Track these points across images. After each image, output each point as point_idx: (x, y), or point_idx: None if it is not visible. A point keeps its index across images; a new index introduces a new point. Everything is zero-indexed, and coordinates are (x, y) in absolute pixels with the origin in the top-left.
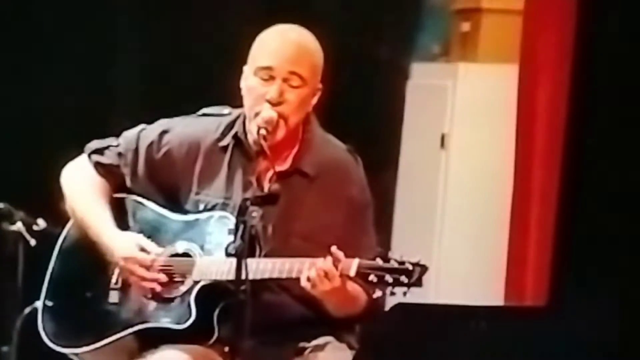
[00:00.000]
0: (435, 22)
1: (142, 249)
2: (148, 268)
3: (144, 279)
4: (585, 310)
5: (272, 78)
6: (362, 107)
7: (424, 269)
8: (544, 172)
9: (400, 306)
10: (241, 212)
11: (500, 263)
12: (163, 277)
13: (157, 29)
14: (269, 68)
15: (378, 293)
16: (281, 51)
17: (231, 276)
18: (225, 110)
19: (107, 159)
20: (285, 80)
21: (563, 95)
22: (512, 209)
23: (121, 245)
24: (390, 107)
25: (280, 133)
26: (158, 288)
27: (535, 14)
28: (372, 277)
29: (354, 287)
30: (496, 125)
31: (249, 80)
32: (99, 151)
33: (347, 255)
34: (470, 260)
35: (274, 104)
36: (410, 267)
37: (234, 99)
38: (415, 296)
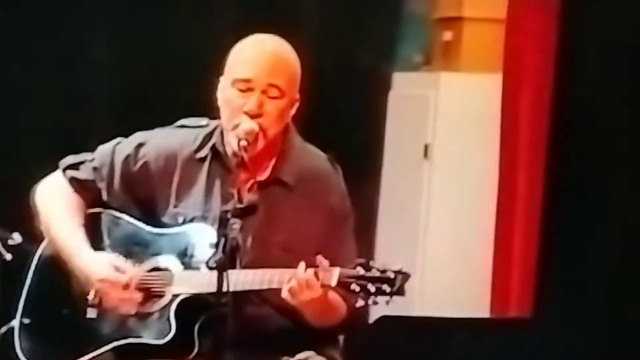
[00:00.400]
0: (416, 31)
1: (117, 269)
2: (124, 288)
3: (120, 300)
4: (571, 321)
5: (250, 89)
6: (344, 118)
7: (406, 276)
8: (528, 181)
9: (384, 319)
10: (222, 225)
11: (485, 274)
12: (140, 297)
13: (131, 40)
14: (247, 80)
15: (360, 303)
16: (259, 63)
17: (211, 289)
18: (203, 121)
19: (83, 174)
20: (263, 91)
21: (546, 104)
22: (496, 219)
23: (95, 266)
24: (373, 118)
25: (260, 144)
26: (134, 310)
27: (517, 23)
28: (354, 287)
29: (334, 297)
30: (479, 134)
31: (226, 92)
32: (74, 166)
33: None
34: (454, 272)
35: (252, 116)
36: (392, 276)
37: (211, 110)
38: (399, 309)
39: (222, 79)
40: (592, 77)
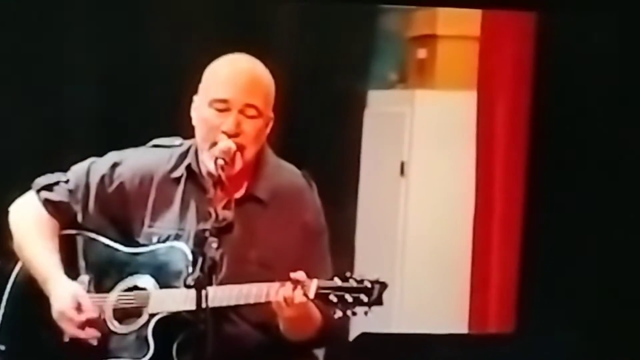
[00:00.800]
0: (391, 49)
1: (78, 307)
2: (79, 327)
3: (77, 332)
4: (552, 336)
5: (227, 109)
6: (320, 136)
7: (383, 286)
8: (506, 197)
9: (364, 336)
10: (199, 243)
11: (464, 290)
12: (93, 336)
13: (104, 60)
14: (224, 100)
15: (339, 314)
16: (236, 83)
17: (188, 307)
18: (177, 141)
19: (57, 195)
20: (241, 111)
21: (522, 120)
22: (473, 234)
23: (59, 297)
24: (348, 135)
25: (238, 164)
26: (93, 342)
27: (491, 40)
28: (331, 297)
29: (311, 308)
30: (455, 151)
31: (203, 112)
32: (48, 187)
33: None
34: (433, 288)
35: (230, 135)
36: (370, 285)
37: (185, 130)
38: (377, 325)
39: (196, 98)
40: (567, 92)
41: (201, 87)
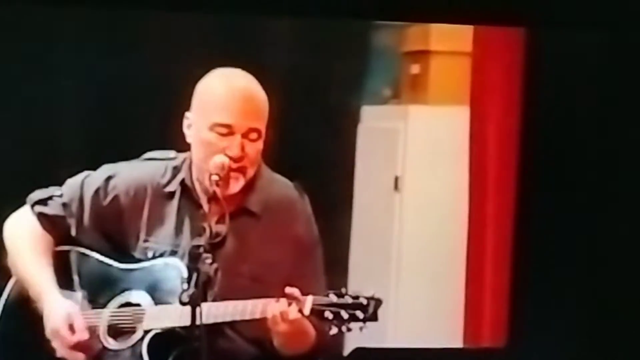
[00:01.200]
0: (384, 65)
1: (70, 326)
2: (70, 347)
3: (67, 353)
4: (545, 350)
5: (231, 134)
6: (314, 151)
7: (378, 302)
8: (499, 211)
9: (359, 350)
10: (194, 259)
11: (458, 304)
12: (82, 358)
13: (95, 75)
14: (228, 125)
15: (334, 330)
16: (237, 106)
17: (183, 322)
18: (171, 154)
19: (51, 209)
20: (244, 135)
21: (514, 135)
22: (467, 249)
23: (53, 315)
24: (342, 151)
25: (240, 185)
26: None
27: (483, 55)
28: (327, 314)
29: (305, 323)
30: (449, 166)
31: (203, 134)
32: (42, 202)
33: None
34: (427, 303)
35: (236, 160)
36: (365, 302)
37: (177, 143)
38: (372, 340)
39: (190, 115)
40: (558, 107)
41: (196, 106)
